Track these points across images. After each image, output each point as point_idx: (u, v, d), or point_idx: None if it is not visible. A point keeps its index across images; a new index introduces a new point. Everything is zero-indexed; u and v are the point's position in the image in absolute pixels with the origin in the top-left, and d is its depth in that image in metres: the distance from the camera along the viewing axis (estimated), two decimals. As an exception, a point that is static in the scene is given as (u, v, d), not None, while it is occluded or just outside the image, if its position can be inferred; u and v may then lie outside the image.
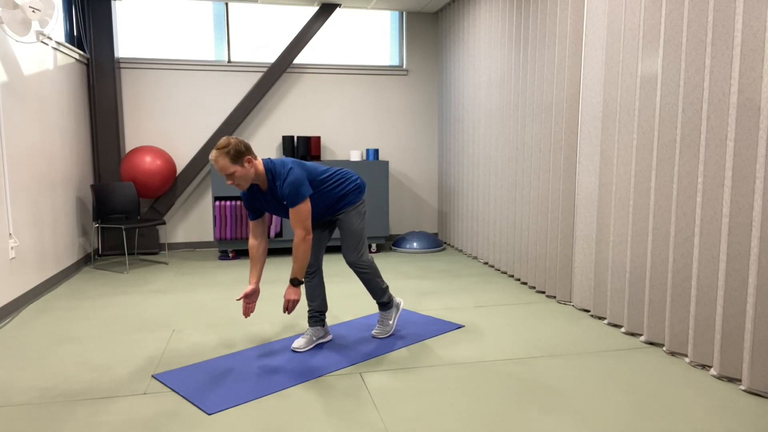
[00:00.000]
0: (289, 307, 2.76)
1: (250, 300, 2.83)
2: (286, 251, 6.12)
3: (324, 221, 3.06)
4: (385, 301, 3.22)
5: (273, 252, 6.08)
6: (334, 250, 6.21)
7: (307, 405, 2.39)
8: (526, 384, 2.58)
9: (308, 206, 2.72)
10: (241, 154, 2.62)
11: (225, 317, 3.67)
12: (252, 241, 2.87)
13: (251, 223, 2.89)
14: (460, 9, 5.78)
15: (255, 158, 2.70)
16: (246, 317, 2.81)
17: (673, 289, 2.91)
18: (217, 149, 2.61)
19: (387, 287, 3.20)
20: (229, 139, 2.64)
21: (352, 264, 3.03)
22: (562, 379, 2.64)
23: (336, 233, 5.96)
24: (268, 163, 2.75)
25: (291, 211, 2.72)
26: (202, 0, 6.00)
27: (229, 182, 2.66)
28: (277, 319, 3.62)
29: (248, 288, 2.80)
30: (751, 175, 2.47)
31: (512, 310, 3.81)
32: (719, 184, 2.63)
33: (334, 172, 2.96)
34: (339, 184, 2.96)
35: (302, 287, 2.86)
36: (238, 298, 2.84)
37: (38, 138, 4.37)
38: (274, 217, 5.64)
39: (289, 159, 2.81)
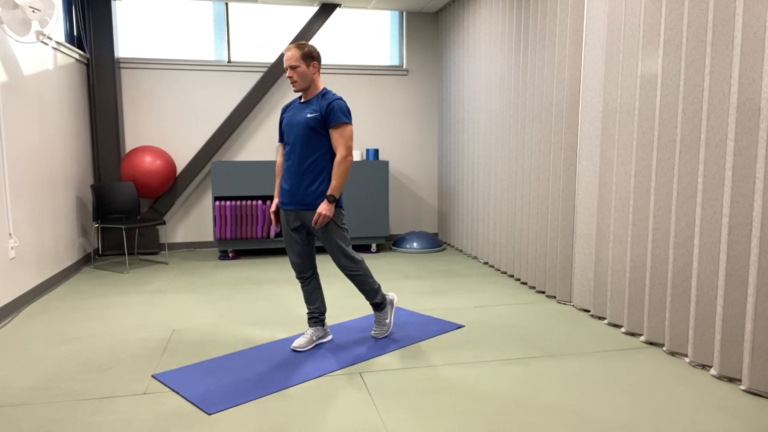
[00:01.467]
0: (319, 221, 2.84)
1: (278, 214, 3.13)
2: (286, 251, 6.11)
3: (300, 228, 3.00)
4: (378, 301, 3.20)
5: (273, 252, 6.08)
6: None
7: (307, 405, 2.39)
8: (526, 384, 2.58)
9: (352, 129, 2.91)
10: (313, 57, 2.88)
11: (225, 317, 3.67)
12: (279, 159, 3.09)
13: (279, 146, 3.12)
14: (460, 9, 5.78)
15: (319, 73, 2.96)
16: (278, 229, 3.05)
17: (673, 289, 2.91)
18: (295, 43, 2.87)
19: (379, 287, 3.18)
20: (307, 43, 2.92)
21: (342, 268, 3.02)
22: (562, 379, 2.64)
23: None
24: (327, 88, 3.00)
25: (334, 132, 2.87)
26: (202, 0, 6.00)
27: (289, 74, 2.88)
28: (277, 319, 3.62)
29: (275, 202, 3.10)
30: (751, 175, 2.47)
31: (512, 310, 3.81)
32: (719, 184, 2.63)
33: None
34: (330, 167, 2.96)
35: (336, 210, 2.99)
36: (272, 210, 3.11)
37: (38, 138, 4.37)
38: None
39: None
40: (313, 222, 2.85)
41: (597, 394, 2.47)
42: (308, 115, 2.88)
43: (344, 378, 2.67)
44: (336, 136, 2.87)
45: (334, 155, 2.93)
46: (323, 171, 2.91)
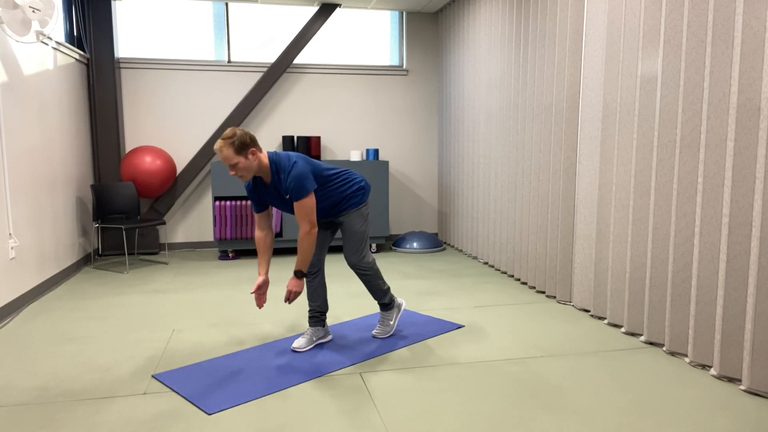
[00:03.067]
0: (290, 297, 2.79)
1: (261, 291, 2.87)
2: (286, 251, 6.12)
3: (326, 222, 3.06)
4: (386, 302, 3.22)
5: (273, 251, 6.07)
6: (335, 250, 6.21)
7: (307, 405, 2.39)
8: (526, 384, 2.58)
9: (313, 200, 2.74)
10: (246, 145, 2.65)
11: (225, 317, 3.67)
12: (258, 233, 2.91)
13: (256, 216, 2.92)
14: (460, 9, 5.78)
15: (260, 151, 2.73)
16: (260, 308, 2.91)
17: (673, 289, 2.91)
18: (223, 139, 2.64)
19: (388, 288, 3.20)
20: (234, 129, 2.67)
21: (353, 265, 3.04)
22: (562, 379, 2.64)
23: (338, 233, 5.95)
24: (273, 156, 2.78)
25: (296, 205, 2.73)
26: (202, 0, 6.00)
27: (232, 173, 2.69)
28: (278, 319, 3.62)
29: (259, 280, 2.85)
30: (751, 175, 2.47)
31: (512, 310, 3.81)
32: (719, 184, 2.63)
33: (340, 172, 2.97)
34: (344, 184, 2.96)
35: (305, 281, 2.95)
36: (252, 291, 2.90)
37: (38, 138, 4.37)
38: (274, 215, 5.64)
39: (294, 153, 2.82)
40: (285, 299, 2.79)
41: (597, 394, 2.47)
42: (286, 196, 2.77)
43: (344, 378, 2.67)
44: (298, 210, 2.73)
45: (337, 180, 2.93)
46: (340, 193, 2.93)
